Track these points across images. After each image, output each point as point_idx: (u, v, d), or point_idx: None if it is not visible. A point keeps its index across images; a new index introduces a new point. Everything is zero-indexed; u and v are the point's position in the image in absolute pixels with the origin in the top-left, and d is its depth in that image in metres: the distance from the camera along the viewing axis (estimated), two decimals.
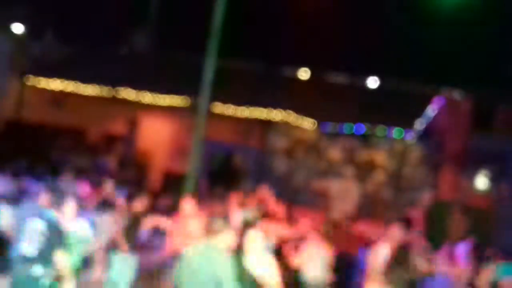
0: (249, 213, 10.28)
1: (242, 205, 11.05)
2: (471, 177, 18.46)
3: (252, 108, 17.17)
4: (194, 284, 6.19)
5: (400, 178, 16.85)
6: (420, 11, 19.90)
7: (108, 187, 10.84)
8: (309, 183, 19.66)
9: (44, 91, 19.63)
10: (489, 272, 10.03)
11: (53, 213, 6.82)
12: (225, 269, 6.20)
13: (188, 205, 9.64)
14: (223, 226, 6.42)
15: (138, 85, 17.98)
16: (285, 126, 19.37)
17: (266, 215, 10.77)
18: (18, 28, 21.83)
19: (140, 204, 9.75)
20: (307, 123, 16.90)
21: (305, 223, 10.64)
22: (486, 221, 16.18)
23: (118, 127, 20.52)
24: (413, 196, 18.07)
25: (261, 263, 6.97)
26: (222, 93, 15.94)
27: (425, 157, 18.45)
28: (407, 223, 10.28)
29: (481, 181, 18.52)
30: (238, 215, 9.72)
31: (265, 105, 16.96)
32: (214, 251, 6.30)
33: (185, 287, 6.28)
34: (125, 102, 18.79)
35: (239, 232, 7.13)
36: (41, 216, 6.74)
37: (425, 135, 17.18)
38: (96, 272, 8.46)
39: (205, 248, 6.38)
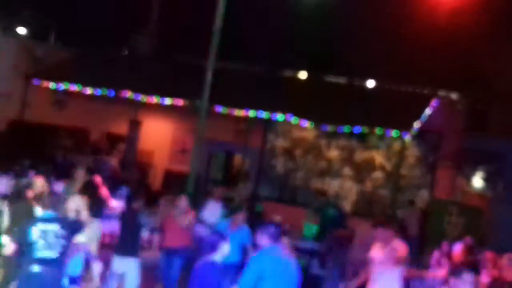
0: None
1: None
2: (467, 177, 18.66)
3: (252, 108, 17.25)
4: None
5: (397, 177, 16.98)
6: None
7: None
8: (308, 183, 19.83)
9: (47, 92, 19.86)
10: None
11: None
12: None
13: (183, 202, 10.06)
14: None
15: (140, 87, 18.10)
16: (285, 126, 19.52)
17: None
18: (22, 30, 22.11)
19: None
20: (307, 123, 17.00)
21: None
22: (481, 220, 16.33)
23: (121, 127, 20.65)
24: (410, 196, 18.25)
25: None
26: (222, 94, 16.11)
27: (422, 157, 18.66)
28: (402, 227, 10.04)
29: (477, 181, 18.74)
30: None
31: (265, 106, 17.04)
32: None
33: None
34: (127, 103, 18.95)
35: None
36: None
37: (422, 136, 17.37)
38: None
39: None
